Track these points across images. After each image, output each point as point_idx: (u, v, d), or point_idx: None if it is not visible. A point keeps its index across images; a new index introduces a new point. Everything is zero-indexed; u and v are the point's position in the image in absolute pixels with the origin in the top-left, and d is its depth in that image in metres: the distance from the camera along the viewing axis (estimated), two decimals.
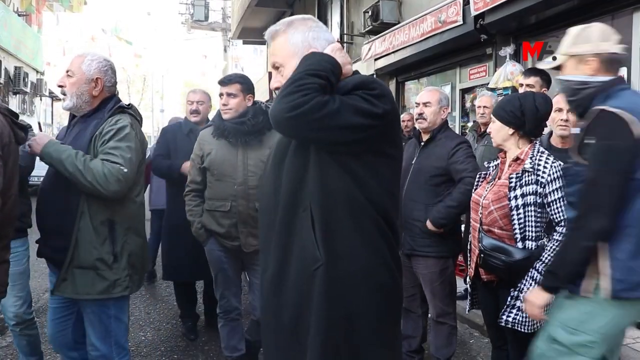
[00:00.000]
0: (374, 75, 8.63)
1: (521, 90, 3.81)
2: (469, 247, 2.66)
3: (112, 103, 2.49)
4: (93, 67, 2.44)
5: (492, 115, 2.57)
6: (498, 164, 2.62)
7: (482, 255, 2.38)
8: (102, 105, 2.48)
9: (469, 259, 2.67)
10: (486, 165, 2.70)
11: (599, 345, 1.94)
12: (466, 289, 2.76)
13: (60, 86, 2.48)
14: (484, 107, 4.67)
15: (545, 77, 3.81)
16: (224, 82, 3.11)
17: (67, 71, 2.45)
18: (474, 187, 2.69)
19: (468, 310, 2.80)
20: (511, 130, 2.47)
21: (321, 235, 1.54)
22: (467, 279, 2.71)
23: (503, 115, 2.49)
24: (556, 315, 2.02)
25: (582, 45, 2.02)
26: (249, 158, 3.04)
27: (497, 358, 2.75)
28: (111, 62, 2.55)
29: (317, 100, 1.43)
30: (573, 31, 2.08)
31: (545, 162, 2.37)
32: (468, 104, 7.35)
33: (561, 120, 2.84)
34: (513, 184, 2.38)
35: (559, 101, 2.83)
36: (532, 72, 3.94)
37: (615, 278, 1.87)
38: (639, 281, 1.87)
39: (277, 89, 1.64)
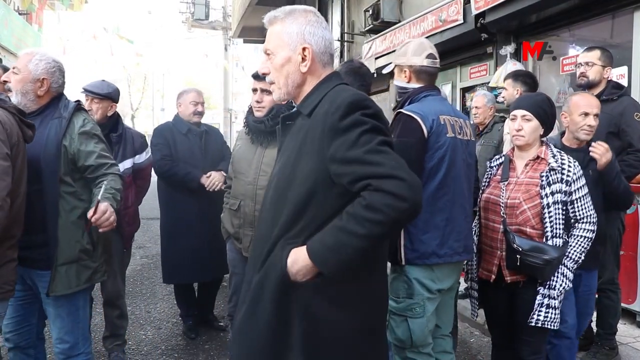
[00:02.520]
0: (374, 75, 8.60)
1: (504, 93, 3.87)
2: (475, 248, 2.63)
3: (63, 101, 2.50)
4: (40, 67, 2.42)
5: (525, 112, 2.49)
6: (501, 162, 2.61)
7: (518, 256, 2.36)
8: (52, 103, 2.47)
9: (477, 261, 2.63)
10: (488, 165, 2.70)
11: (421, 306, 2.34)
12: (466, 288, 2.74)
13: (5, 82, 2.45)
14: (476, 107, 4.75)
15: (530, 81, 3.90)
16: (259, 76, 2.87)
17: (14, 67, 2.43)
18: (482, 187, 2.67)
19: (475, 317, 2.78)
20: (542, 130, 2.50)
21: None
22: (472, 283, 2.68)
23: (542, 114, 2.48)
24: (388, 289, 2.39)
25: (401, 58, 2.52)
26: (265, 157, 2.92)
27: (499, 357, 2.74)
28: (60, 63, 2.52)
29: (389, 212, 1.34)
30: (402, 45, 2.57)
31: (569, 161, 2.44)
32: (469, 103, 7.34)
33: (588, 125, 2.78)
34: (544, 182, 2.40)
35: (581, 105, 2.77)
36: (514, 75, 4.01)
37: (409, 248, 2.31)
38: (429, 251, 2.30)
39: (264, 74, 1.64)
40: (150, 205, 10.83)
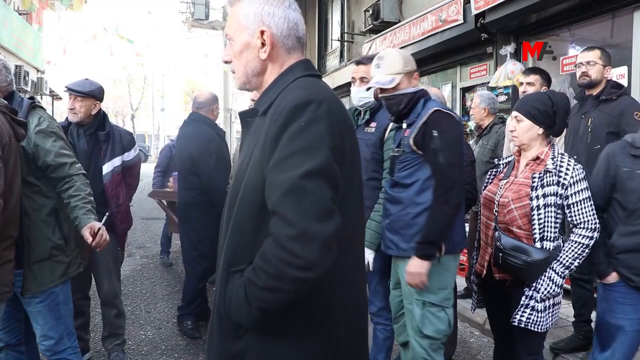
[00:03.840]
0: None
1: (521, 88, 3.82)
2: (476, 245, 2.65)
3: (16, 100, 2.47)
4: None
5: (517, 113, 2.47)
6: (510, 162, 2.61)
7: (500, 254, 2.36)
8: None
9: (476, 257, 2.65)
10: (496, 163, 2.70)
11: (452, 295, 2.61)
12: (466, 288, 2.76)
13: None
14: (472, 108, 4.78)
15: (545, 76, 3.83)
16: None
17: None
18: (484, 184, 2.68)
19: (473, 310, 2.79)
20: (541, 130, 2.43)
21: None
22: (472, 278, 2.70)
23: (535, 114, 2.42)
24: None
25: (411, 64, 2.61)
26: None
27: (500, 357, 2.74)
28: (3, 60, 2.48)
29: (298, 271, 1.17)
30: (396, 54, 2.61)
31: (568, 164, 2.37)
32: (469, 103, 7.34)
33: None
34: (535, 184, 2.35)
35: None
36: (532, 70, 3.98)
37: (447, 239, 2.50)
38: (458, 239, 2.57)
39: (227, 62, 1.47)
40: (150, 205, 10.91)
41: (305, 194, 1.16)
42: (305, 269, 1.15)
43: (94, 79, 3.47)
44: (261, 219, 1.26)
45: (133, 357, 3.68)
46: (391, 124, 2.85)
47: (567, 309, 3.93)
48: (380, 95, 2.66)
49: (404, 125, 2.61)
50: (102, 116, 3.39)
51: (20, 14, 15.06)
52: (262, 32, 1.37)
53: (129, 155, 3.54)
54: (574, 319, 3.71)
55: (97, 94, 3.33)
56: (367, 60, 3.01)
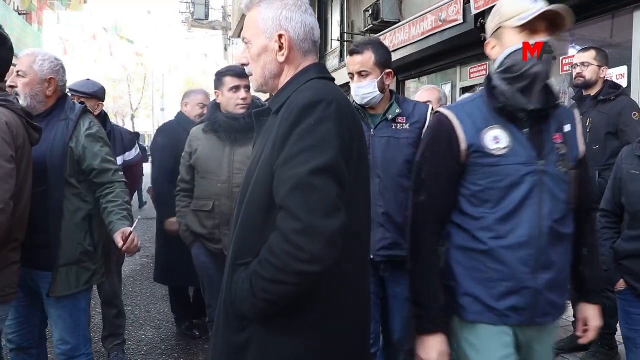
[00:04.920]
0: None
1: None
2: None
3: (69, 102, 2.50)
4: (46, 67, 2.41)
5: None
6: None
7: None
8: (58, 104, 2.46)
9: None
10: None
11: None
12: None
13: (11, 87, 2.39)
14: None
15: None
16: (241, 75, 2.90)
17: (18, 71, 2.40)
18: None
19: None
20: None
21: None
22: None
23: None
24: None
25: None
26: (236, 154, 2.90)
27: None
28: (61, 61, 2.51)
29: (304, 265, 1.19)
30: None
31: None
32: None
33: None
34: None
35: None
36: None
37: None
38: None
39: (244, 65, 1.51)
40: (150, 205, 10.89)
41: (313, 190, 1.19)
42: (310, 262, 1.18)
43: (94, 79, 3.48)
44: (269, 214, 1.29)
45: (133, 357, 3.69)
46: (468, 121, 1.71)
47: (566, 309, 3.93)
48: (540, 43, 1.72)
49: (567, 128, 1.73)
50: (103, 116, 3.41)
51: (20, 14, 15.07)
52: (280, 36, 1.41)
53: (130, 155, 3.55)
54: (573, 319, 3.72)
55: (99, 95, 3.36)
56: (362, 47, 2.44)
